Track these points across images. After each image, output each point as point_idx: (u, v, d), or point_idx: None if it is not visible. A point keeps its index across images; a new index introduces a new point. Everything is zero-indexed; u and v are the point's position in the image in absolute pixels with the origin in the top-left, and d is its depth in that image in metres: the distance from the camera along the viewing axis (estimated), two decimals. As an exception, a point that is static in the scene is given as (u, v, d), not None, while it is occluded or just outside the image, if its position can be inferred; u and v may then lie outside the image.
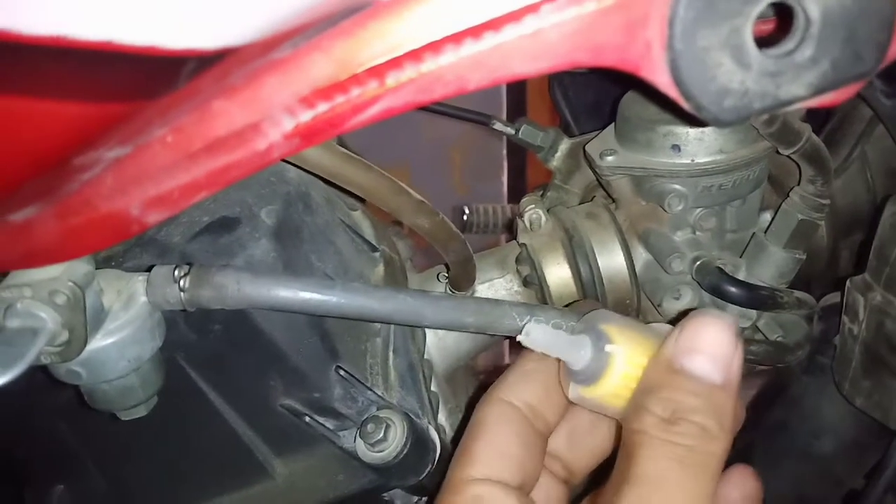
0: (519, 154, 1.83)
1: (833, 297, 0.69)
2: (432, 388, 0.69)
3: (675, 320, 0.41)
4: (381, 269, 0.69)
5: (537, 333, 0.41)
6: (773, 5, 0.32)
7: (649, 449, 0.37)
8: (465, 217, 1.12)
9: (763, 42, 0.33)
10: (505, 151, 1.88)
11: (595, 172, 0.73)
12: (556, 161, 0.83)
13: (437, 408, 0.68)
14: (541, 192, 0.84)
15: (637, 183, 0.70)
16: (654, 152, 0.67)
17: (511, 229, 1.11)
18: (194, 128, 0.33)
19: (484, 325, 0.48)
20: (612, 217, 0.71)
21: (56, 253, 0.38)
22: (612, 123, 0.73)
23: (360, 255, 0.67)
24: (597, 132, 0.76)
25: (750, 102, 0.33)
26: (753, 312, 0.67)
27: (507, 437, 0.43)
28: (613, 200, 0.74)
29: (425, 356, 0.70)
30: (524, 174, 1.89)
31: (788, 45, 0.33)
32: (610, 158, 0.69)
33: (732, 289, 0.64)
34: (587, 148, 0.73)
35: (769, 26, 0.36)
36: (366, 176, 0.51)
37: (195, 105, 0.33)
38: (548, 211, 0.73)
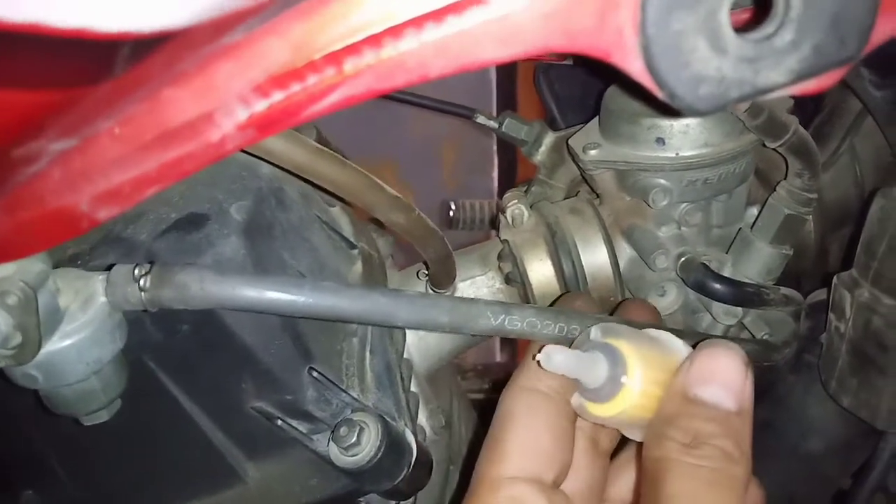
0: (509, 149, 1.81)
1: (821, 294, 0.68)
2: (412, 389, 0.67)
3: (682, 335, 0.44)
4: (358, 266, 0.67)
5: (558, 359, 0.41)
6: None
7: (676, 471, 0.37)
8: (451, 213, 1.10)
9: (741, 29, 0.32)
10: (495, 147, 1.86)
11: (579, 167, 0.72)
12: (541, 155, 0.81)
13: (417, 409, 0.66)
14: (525, 188, 0.82)
15: (621, 177, 0.68)
16: (638, 146, 0.65)
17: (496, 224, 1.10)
18: (144, 118, 0.32)
19: (459, 324, 0.46)
20: (596, 212, 0.70)
21: (5, 250, 0.36)
22: (596, 117, 0.71)
23: (336, 253, 0.65)
24: (581, 126, 0.74)
25: (727, 90, 0.31)
26: (739, 310, 0.66)
27: (539, 431, 0.43)
28: (598, 195, 0.73)
29: (405, 356, 0.69)
30: (515, 169, 1.87)
31: (768, 28, 0.31)
32: (593, 152, 0.67)
33: (717, 285, 0.62)
34: (570, 142, 0.71)
35: (745, 16, 0.35)
36: (338, 171, 0.50)
37: (144, 94, 0.31)
38: (531, 206, 0.72)
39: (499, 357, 1.88)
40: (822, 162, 0.71)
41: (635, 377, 0.41)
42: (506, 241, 0.70)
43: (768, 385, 0.70)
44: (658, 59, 0.31)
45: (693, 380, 0.40)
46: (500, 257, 0.72)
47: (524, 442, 0.43)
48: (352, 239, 0.68)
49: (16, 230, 0.34)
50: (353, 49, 0.30)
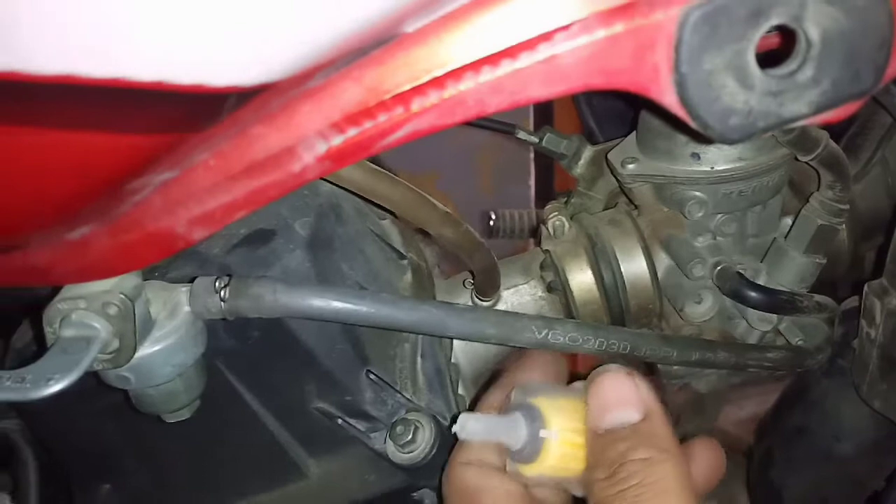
0: (546, 158, 1.84)
1: (854, 301, 0.70)
2: (459, 392, 0.71)
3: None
4: (408, 276, 0.71)
5: (472, 425, 0.43)
6: (775, 27, 0.34)
7: None
8: (491, 222, 1.14)
9: (765, 59, 0.35)
10: (532, 156, 1.89)
11: (618, 180, 0.75)
12: (580, 168, 0.84)
13: (464, 409, 0.70)
14: (564, 199, 0.86)
15: (658, 190, 0.71)
16: (675, 160, 0.68)
17: (537, 234, 1.13)
18: (234, 152, 0.36)
19: (504, 336, 0.50)
20: (635, 223, 0.73)
21: (109, 268, 0.41)
22: (634, 132, 0.75)
23: (388, 264, 0.69)
24: (619, 140, 0.77)
25: (754, 121, 0.34)
26: (774, 316, 0.69)
27: None
28: (636, 207, 0.76)
29: (452, 360, 0.72)
30: (551, 178, 1.90)
31: (790, 65, 0.34)
32: (631, 167, 0.71)
33: (752, 293, 0.65)
34: (609, 156, 0.74)
35: (773, 40, 0.38)
36: (393, 190, 0.54)
37: (236, 132, 0.35)
38: (571, 218, 0.75)
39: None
40: (854, 173, 0.74)
41: (553, 429, 0.43)
42: (547, 251, 0.74)
43: (802, 389, 0.72)
44: (691, 94, 0.34)
45: (595, 416, 0.42)
46: (542, 267, 0.75)
47: None
48: (402, 250, 0.72)
49: (118, 251, 0.39)
50: (419, 90, 0.35)
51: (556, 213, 0.75)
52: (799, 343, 0.70)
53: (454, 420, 0.46)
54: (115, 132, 0.30)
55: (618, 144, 0.76)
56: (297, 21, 0.29)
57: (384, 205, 0.54)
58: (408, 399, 0.60)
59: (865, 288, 0.64)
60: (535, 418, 0.43)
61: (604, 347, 0.55)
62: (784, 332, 0.71)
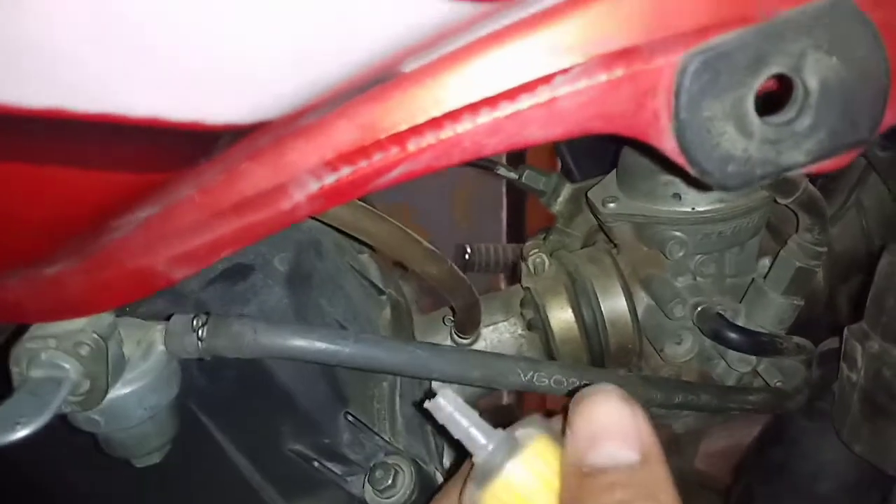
0: (518, 193, 1.86)
1: (831, 343, 0.70)
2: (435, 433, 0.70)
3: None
4: (387, 312, 0.70)
5: (447, 401, 0.34)
6: (774, 75, 0.34)
7: None
8: (466, 256, 1.14)
9: (762, 104, 0.35)
10: (504, 190, 1.90)
11: (597, 218, 0.75)
12: (559, 205, 0.84)
13: (443, 452, 0.68)
14: (543, 236, 0.85)
15: (639, 229, 0.71)
16: (656, 200, 0.68)
17: (511, 269, 1.13)
18: (222, 189, 0.35)
19: (489, 379, 0.49)
20: (615, 262, 0.73)
21: (84, 306, 0.39)
22: (614, 170, 0.75)
23: (367, 299, 0.68)
24: (598, 178, 0.77)
25: (752, 169, 0.34)
26: (753, 358, 0.69)
27: None
28: (615, 245, 0.76)
29: (431, 400, 0.71)
30: (523, 212, 1.91)
31: (788, 114, 0.34)
32: (612, 206, 0.71)
33: (733, 335, 0.65)
34: (589, 194, 0.74)
35: (769, 83, 0.38)
36: (378, 226, 0.53)
37: (223, 168, 0.34)
38: (551, 255, 0.75)
39: (506, 399, 1.89)
40: (830, 216, 0.75)
41: (527, 446, 0.33)
42: (528, 288, 0.73)
43: (782, 429, 0.72)
44: (690, 140, 0.34)
45: (581, 446, 0.33)
46: (522, 304, 0.74)
47: None
48: (380, 285, 0.71)
49: (94, 289, 0.37)
50: (416, 130, 0.34)
51: (536, 250, 0.74)
52: (777, 384, 0.70)
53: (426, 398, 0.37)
54: (102, 169, 0.29)
55: (597, 183, 0.76)
56: (297, 62, 0.28)
57: (368, 241, 0.53)
58: (386, 441, 0.58)
59: (846, 331, 0.64)
60: (512, 435, 0.35)
61: (588, 389, 0.55)
62: (762, 373, 0.71)
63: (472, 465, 0.35)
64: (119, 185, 0.30)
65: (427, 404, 0.35)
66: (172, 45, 0.25)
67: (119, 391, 0.45)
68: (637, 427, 0.33)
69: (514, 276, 1.19)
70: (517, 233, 1.93)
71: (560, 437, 0.34)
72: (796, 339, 0.68)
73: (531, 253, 0.74)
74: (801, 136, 0.34)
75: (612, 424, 0.33)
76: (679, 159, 0.35)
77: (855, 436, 0.63)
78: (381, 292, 0.70)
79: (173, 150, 0.29)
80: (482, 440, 0.34)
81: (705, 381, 0.73)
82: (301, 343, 0.47)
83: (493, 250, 1.16)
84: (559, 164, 0.95)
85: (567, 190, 0.84)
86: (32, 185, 0.29)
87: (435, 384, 0.38)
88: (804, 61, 0.33)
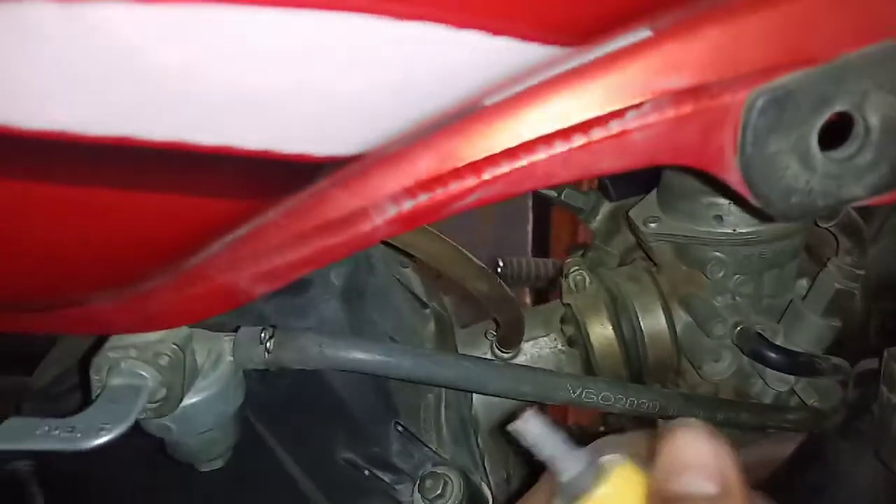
0: (543, 207, 1.87)
1: (868, 364, 0.71)
2: (479, 443, 0.71)
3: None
4: (431, 325, 0.72)
5: (533, 424, 0.35)
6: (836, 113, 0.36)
7: None
8: (498, 269, 1.15)
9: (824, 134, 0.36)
10: (530, 204, 1.92)
11: (637, 237, 0.76)
12: (597, 223, 0.86)
13: (485, 463, 0.70)
14: (581, 253, 0.87)
15: (679, 249, 0.73)
16: (697, 221, 0.70)
17: (544, 282, 1.15)
18: (306, 211, 0.37)
19: (540, 394, 0.51)
20: (655, 281, 0.74)
21: (169, 320, 0.41)
22: (654, 190, 0.76)
23: (413, 313, 0.70)
24: (636, 198, 0.79)
25: (814, 201, 0.36)
26: (791, 377, 0.70)
27: None
28: (655, 264, 0.77)
29: (472, 412, 0.73)
30: (548, 225, 1.93)
31: (850, 149, 0.36)
32: (653, 225, 0.72)
33: (773, 354, 0.66)
34: (631, 213, 0.76)
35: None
36: (432, 244, 0.55)
37: (308, 193, 0.36)
38: (590, 272, 0.76)
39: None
40: (872, 235, 0.76)
41: (615, 464, 0.35)
42: (568, 304, 0.75)
43: (818, 449, 0.73)
44: (755, 173, 0.36)
45: (664, 477, 0.35)
46: (562, 320, 0.76)
47: None
48: (424, 299, 0.73)
49: (181, 304, 0.39)
50: (492, 160, 0.36)
51: (576, 267, 0.76)
52: (814, 403, 0.71)
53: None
54: (207, 196, 0.31)
55: (637, 202, 0.78)
56: (397, 104, 0.30)
57: (426, 259, 0.55)
58: (434, 452, 0.60)
59: (885, 353, 0.65)
60: (598, 459, 0.36)
61: (634, 406, 0.56)
62: (799, 392, 0.72)
63: (554, 482, 0.36)
64: (220, 211, 0.32)
65: (512, 428, 0.36)
66: (289, 88, 0.27)
67: (191, 399, 0.47)
68: (718, 462, 0.35)
69: (539, 290, 1.20)
70: (542, 246, 1.94)
71: (640, 459, 0.37)
72: (834, 359, 0.69)
73: (572, 270, 0.76)
74: (862, 171, 0.36)
75: (695, 457, 0.35)
76: (743, 190, 0.36)
77: (894, 455, 0.64)
78: (425, 306, 0.72)
79: (276, 179, 0.32)
80: (570, 463, 0.35)
81: (742, 399, 0.74)
82: (363, 356, 0.49)
83: (524, 264, 1.17)
84: (597, 183, 0.96)
85: (606, 208, 0.86)
86: (141, 211, 0.31)
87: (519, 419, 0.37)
88: (865, 100, 0.35)
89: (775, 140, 0.35)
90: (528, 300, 1.47)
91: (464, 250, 0.57)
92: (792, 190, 0.36)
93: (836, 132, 0.37)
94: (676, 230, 0.71)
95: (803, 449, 0.75)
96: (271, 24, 0.25)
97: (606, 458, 0.36)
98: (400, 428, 0.59)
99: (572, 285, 0.75)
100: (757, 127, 0.35)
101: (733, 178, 0.36)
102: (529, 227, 1.98)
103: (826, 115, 0.35)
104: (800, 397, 0.72)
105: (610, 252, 0.85)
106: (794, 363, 0.66)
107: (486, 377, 0.51)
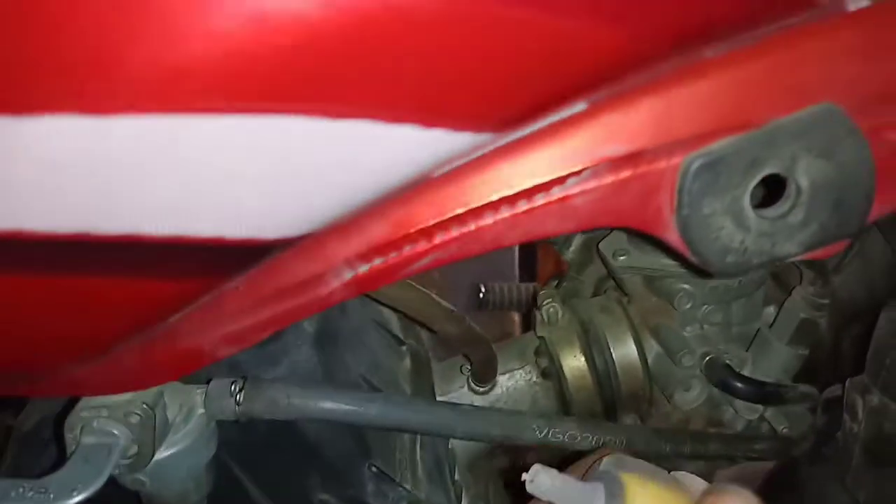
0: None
1: (836, 390, 0.73)
2: (456, 478, 0.72)
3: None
4: (407, 362, 0.73)
5: (543, 479, 0.37)
6: (768, 175, 0.37)
7: None
8: (481, 295, 1.17)
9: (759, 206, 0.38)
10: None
11: (608, 268, 0.78)
12: (570, 254, 0.87)
13: (461, 497, 0.71)
14: (555, 283, 0.88)
15: (648, 281, 0.74)
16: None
17: (525, 306, 1.16)
18: (264, 278, 0.38)
19: (509, 436, 0.53)
20: (626, 312, 0.75)
21: (138, 382, 0.42)
22: (623, 223, 0.78)
23: (389, 351, 0.71)
24: (608, 230, 0.80)
25: (749, 258, 0.37)
26: (760, 406, 0.71)
27: None
28: (626, 294, 0.79)
29: (449, 446, 0.74)
30: (535, 250, 1.94)
31: (782, 208, 0.38)
32: (622, 258, 0.74)
33: (740, 385, 0.67)
34: (600, 246, 0.77)
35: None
36: (401, 292, 0.56)
37: (268, 261, 0.38)
38: (563, 302, 0.78)
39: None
40: (835, 265, 0.78)
41: None
42: (542, 337, 0.76)
43: (790, 476, 0.74)
44: (692, 233, 0.37)
45: None
46: (536, 352, 0.77)
47: None
48: (400, 336, 0.74)
49: (148, 368, 0.41)
50: (442, 226, 0.37)
51: (549, 299, 0.77)
52: (784, 430, 0.72)
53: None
54: (170, 278, 0.32)
55: (608, 235, 0.79)
56: (341, 189, 0.31)
57: (394, 306, 0.57)
58: (409, 491, 0.61)
59: (847, 383, 0.66)
60: (616, 495, 0.37)
61: (601, 443, 0.58)
62: (769, 419, 0.73)
63: None
64: (182, 290, 0.34)
65: (529, 487, 0.37)
66: (236, 183, 0.29)
67: (163, 453, 0.48)
68: None
69: (528, 315, 1.21)
70: (529, 270, 1.95)
71: (652, 476, 0.39)
72: (802, 387, 0.71)
73: (545, 302, 0.77)
74: (794, 229, 0.37)
75: None
76: (681, 249, 0.38)
77: (858, 484, 0.65)
78: (401, 343, 0.73)
79: (232, 259, 0.33)
80: (594, 499, 0.37)
81: (714, 427, 0.75)
82: (331, 406, 0.50)
83: (506, 289, 1.19)
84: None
85: (578, 239, 0.87)
86: (107, 293, 0.33)
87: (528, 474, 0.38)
88: (796, 163, 0.36)
89: (710, 202, 0.37)
90: (516, 321, 1.48)
91: (432, 294, 0.59)
92: (727, 249, 0.37)
93: (771, 190, 0.39)
94: (644, 263, 0.72)
95: (774, 474, 0.76)
96: (212, 129, 0.27)
97: (611, 473, 0.38)
98: (374, 469, 0.61)
99: (545, 318, 0.77)
100: (692, 190, 0.36)
101: (672, 238, 0.38)
102: (516, 251, 1.99)
103: (758, 178, 0.37)
104: (770, 424, 0.73)
105: (584, 282, 0.86)
106: (761, 393, 0.68)
107: (454, 422, 0.53)
